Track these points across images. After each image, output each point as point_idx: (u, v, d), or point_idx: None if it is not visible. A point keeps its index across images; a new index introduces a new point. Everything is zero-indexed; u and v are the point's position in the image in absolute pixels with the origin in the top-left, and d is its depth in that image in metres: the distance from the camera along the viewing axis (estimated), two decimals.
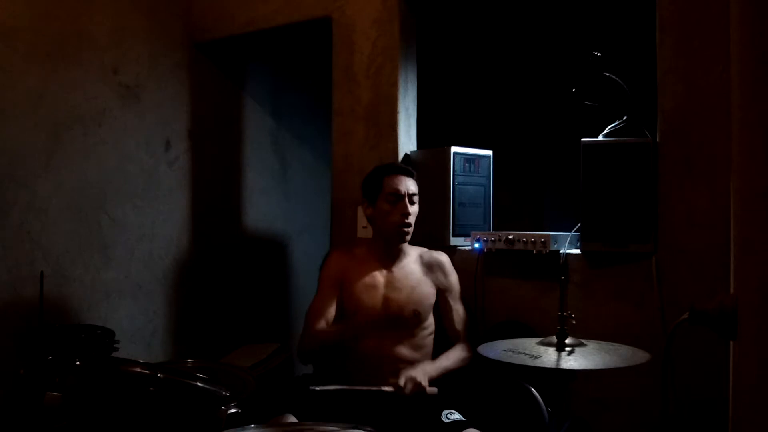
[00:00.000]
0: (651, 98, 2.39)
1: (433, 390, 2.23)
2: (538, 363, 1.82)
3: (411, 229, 2.43)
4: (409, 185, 2.43)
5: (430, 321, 2.48)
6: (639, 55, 2.69)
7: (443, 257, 2.55)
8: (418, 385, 2.19)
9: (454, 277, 2.54)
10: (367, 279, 2.44)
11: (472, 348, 2.39)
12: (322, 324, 2.39)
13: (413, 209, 2.43)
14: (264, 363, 3.26)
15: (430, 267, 2.51)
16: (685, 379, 2.23)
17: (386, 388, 2.23)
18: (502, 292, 2.72)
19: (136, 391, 1.80)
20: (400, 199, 2.40)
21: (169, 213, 3.55)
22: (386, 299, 2.42)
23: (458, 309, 2.51)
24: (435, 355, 2.45)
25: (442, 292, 2.50)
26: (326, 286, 2.47)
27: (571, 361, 1.84)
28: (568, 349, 1.90)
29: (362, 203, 2.51)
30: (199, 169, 3.69)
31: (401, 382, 2.20)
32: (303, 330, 2.45)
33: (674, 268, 2.33)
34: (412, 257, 2.51)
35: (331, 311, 2.43)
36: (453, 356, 2.41)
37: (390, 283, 2.44)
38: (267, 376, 3.18)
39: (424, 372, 2.25)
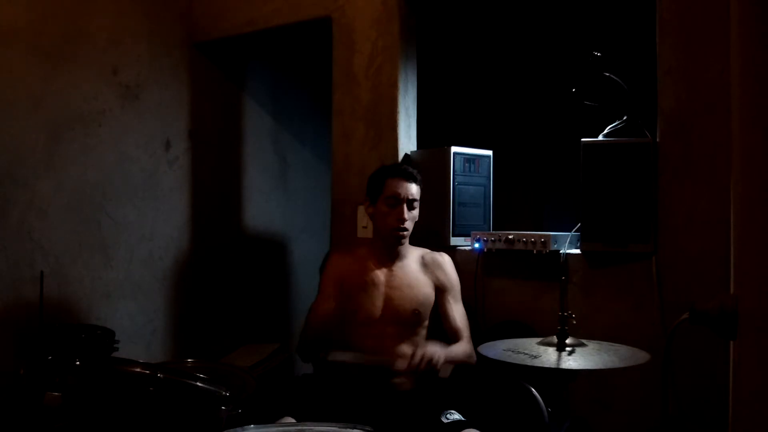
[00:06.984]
0: (651, 98, 2.39)
1: (446, 373, 2.20)
2: (538, 363, 1.83)
3: (407, 234, 2.42)
4: (411, 190, 2.41)
5: (428, 321, 2.47)
6: (639, 55, 2.69)
7: (444, 257, 2.55)
8: (431, 361, 2.17)
9: (454, 277, 2.53)
10: (367, 279, 2.43)
11: (474, 348, 2.38)
12: (321, 323, 2.39)
13: (411, 214, 2.41)
14: (264, 363, 3.27)
15: (429, 267, 2.50)
16: (685, 379, 2.22)
17: (399, 365, 2.22)
18: (502, 292, 2.72)
19: (136, 391, 1.80)
20: (399, 203, 2.39)
21: (169, 213, 3.55)
22: (386, 299, 2.42)
23: (458, 309, 2.50)
24: None
25: (441, 292, 2.49)
26: (326, 287, 2.47)
27: (571, 361, 1.84)
28: (568, 349, 1.90)
29: (364, 201, 2.51)
30: (199, 169, 3.70)
31: (417, 355, 2.18)
32: (302, 330, 2.45)
33: (674, 268, 2.33)
34: (413, 258, 2.51)
35: (331, 311, 2.43)
36: (460, 349, 2.39)
37: (390, 283, 2.44)
38: (267, 376, 3.18)
39: (439, 351, 2.24)
